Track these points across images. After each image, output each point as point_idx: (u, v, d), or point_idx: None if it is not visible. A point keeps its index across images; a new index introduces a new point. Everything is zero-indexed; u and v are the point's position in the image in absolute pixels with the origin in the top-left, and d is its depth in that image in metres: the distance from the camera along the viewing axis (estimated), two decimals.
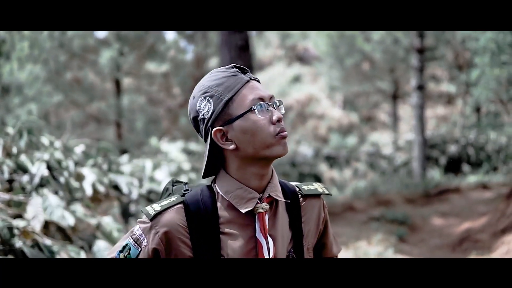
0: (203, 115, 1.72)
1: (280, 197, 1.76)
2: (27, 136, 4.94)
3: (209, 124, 1.71)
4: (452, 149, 15.76)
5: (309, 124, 27.06)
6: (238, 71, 1.76)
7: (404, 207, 10.29)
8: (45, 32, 16.61)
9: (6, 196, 4.31)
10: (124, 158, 7.14)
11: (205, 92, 1.72)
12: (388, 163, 16.78)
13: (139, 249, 1.73)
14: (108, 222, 4.65)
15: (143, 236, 1.73)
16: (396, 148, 18.82)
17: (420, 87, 14.22)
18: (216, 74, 1.75)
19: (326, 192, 1.90)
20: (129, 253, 1.74)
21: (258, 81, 1.80)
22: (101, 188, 5.11)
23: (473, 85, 14.25)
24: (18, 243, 3.05)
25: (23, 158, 4.76)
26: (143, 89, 20.72)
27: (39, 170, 4.39)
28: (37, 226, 3.70)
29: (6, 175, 4.48)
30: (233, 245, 1.71)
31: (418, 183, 12.86)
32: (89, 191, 4.99)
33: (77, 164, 5.29)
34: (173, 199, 1.77)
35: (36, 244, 2.99)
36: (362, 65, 20.71)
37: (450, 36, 15.73)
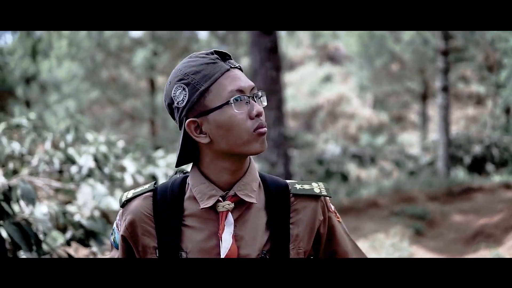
0: (177, 104, 1.60)
1: (250, 196, 1.63)
2: (74, 132, 5.50)
3: (183, 114, 1.60)
4: (477, 149, 15.95)
5: (340, 124, 27.29)
6: (218, 58, 1.61)
7: (426, 204, 10.51)
8: (83, 31, 17.19)
9: (58, 184, 4.86)
10: (160, 152, 7.64)
11: (181, 79, 1.59)
12: (413, 162, 17.01)
13: (119, 233, 1.71)
14: None
15: (120, 221, 1.71)
16: (423, 147, 19.01)
17: (445, 88, 14.49)
18: (195, 59, 1.62)
19: (324, 193, 1.70)
20: (115, 237, 1.75)
21: (240, 69, 1.65)
22: (140, 179, 5.64)
23: (502, 86, 14.48)
24: (76, 216, 3.55)
25: (71, 151, 5.31)
26: None
27: (86, 162, 4.92)
28: (86, 212, 4.24)
29: (57, 166, 5.04)
30: (194, 239, 1.61)
31: (442, 181, 13.02)
32: (129, 181, 5.52)
33: (118, 157, 5.84)
34: (146, 186, 1.73)
35: (91, 217, 3.48)
36: (392, 65, 20.95)
37: (479, 37, 15.86)
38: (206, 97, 1.57)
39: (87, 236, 3.42)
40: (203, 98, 1.57)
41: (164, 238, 1.62)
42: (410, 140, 24.13)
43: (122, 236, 1.69)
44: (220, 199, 1.61)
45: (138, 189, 1.72)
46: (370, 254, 7.22)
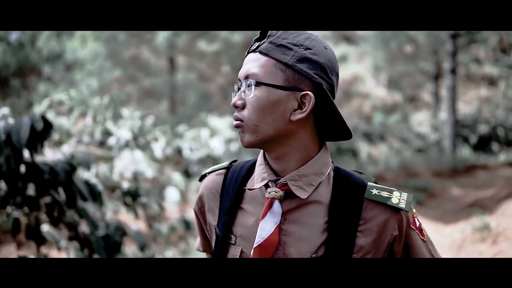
0: None
1: (303, 189, 1.42)
2: (113, 108, 6.30)
3: None
4: (483, 128, 16.46)
5: (354, 103, 27.78)
6: (253, 43, 1.48)
7: (430, 179, 11.11)
8: None
9: (99, 152, 5.65)
10: (182, 128, 8.40)
11: None
12: (422, 141, 17.49)
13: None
14: (176, 176, 5.99)
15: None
16: (432, 126, 19.49)
17: (453, 70, 15.06)
18: None
19: (401, 206, 1.40)
20: None
21: (261, 51, 1.42)
22: (169, 151, 6.43)
23: None
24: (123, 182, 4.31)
25: (110, 125, 6.10)
26: (195, 67, 21.78)
27: (124, 134, 5.70)
28: (128, 174, 5.03)
29: (99, 136, 5.83)
30: (244, 224, 1.49)
31: (448, 159, 13.57)
32: (158, 153, 6.31)
33: (149, 131, 6.63)
34: (225, 163, 1.65)
35: (134, 178, 4.25)
36: (406, 47, 21.36)
37: None
38: None
39: (131, 196, 4.17)
40: None
41: (222, 218, 1.53)
42: (422, 119, 24.60)
43: (194, 210, 1.67)
44: (270, 184, 1.46)
45: (217, 166, 1.66)
46: None
